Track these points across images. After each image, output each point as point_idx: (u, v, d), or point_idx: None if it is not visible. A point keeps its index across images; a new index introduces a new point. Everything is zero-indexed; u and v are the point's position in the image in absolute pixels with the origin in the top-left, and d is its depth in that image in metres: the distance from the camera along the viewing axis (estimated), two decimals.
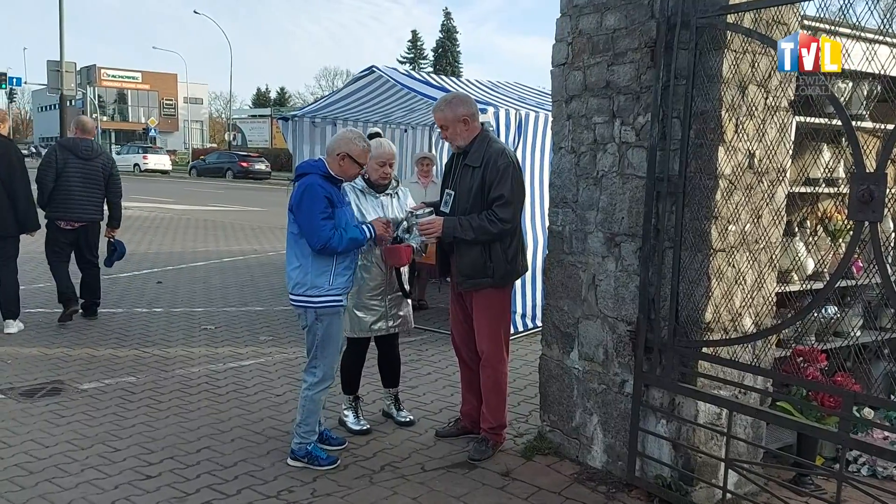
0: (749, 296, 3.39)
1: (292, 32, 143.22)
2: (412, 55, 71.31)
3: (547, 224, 4.32)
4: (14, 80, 37.73)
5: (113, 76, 66.38)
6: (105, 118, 62.18)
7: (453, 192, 4.10)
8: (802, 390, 3.68)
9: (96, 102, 53.54)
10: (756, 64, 3.25)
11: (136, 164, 41.72)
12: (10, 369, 5.48)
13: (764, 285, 3.41)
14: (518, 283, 6.21)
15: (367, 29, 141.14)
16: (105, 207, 6.97)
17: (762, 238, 3.37)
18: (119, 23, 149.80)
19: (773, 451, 3.66)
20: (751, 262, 3.38)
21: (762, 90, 3.38)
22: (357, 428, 4.44)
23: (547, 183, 4.63)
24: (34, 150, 48.65)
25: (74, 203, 6.64)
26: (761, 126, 3.35)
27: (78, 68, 19.66)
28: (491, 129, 5.67)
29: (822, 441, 3.72)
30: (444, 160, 6.85)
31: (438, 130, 4.24)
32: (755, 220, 3.40)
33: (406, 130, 9.19)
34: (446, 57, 58.59)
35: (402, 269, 4.40)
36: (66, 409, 4.68)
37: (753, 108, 3.34)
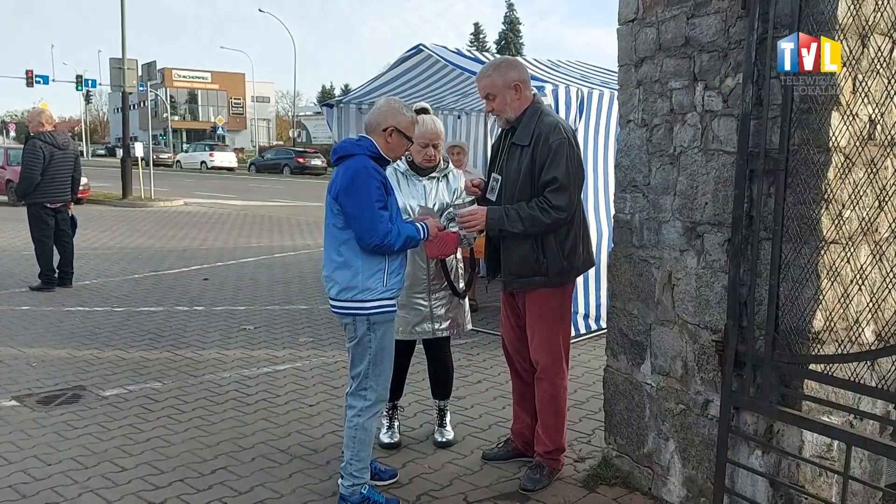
0: (874, 299, 2.67)
1: (357, 30, 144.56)
2: (474, 48, 70.63)
3: (612, 212, 3.67)
4: (90, 81, 39.12)
5: (183, 77, 67.99)
6: (176, 118, 63.82)
7: (500, 177, 3.49)
8: None
9: (168, 103, 54.85)
10: (885, 5, 2.54)
11: (202, 162, 42.54)
12: (34, 373, 5.16)
13: (894, 286, 2.69)
14: (580, 279, 5.55)
15: (431, 25, 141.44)
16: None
17: (893, 226, 2.65)
18: (187, 23, 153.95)
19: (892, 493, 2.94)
20: (876, 256, 2.67)
21: (889, 40, 2.66)
22: (387, 440, 3.90)
23: (612, 164, 3.97)
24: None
25: (61, 186, 7.99)
26: (889, 85, 2.63)
27: (139, 65, 19.60)
28: (544, 98, 4.99)
29: None
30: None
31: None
32: (881, 205, 2.68)
33: (459, 117, 8.60)
34: (509, 49, 57.71)
35: (451, 264, 3.82)
36: (80, 420, 4.29)
37: (878, 63, 2.62)
